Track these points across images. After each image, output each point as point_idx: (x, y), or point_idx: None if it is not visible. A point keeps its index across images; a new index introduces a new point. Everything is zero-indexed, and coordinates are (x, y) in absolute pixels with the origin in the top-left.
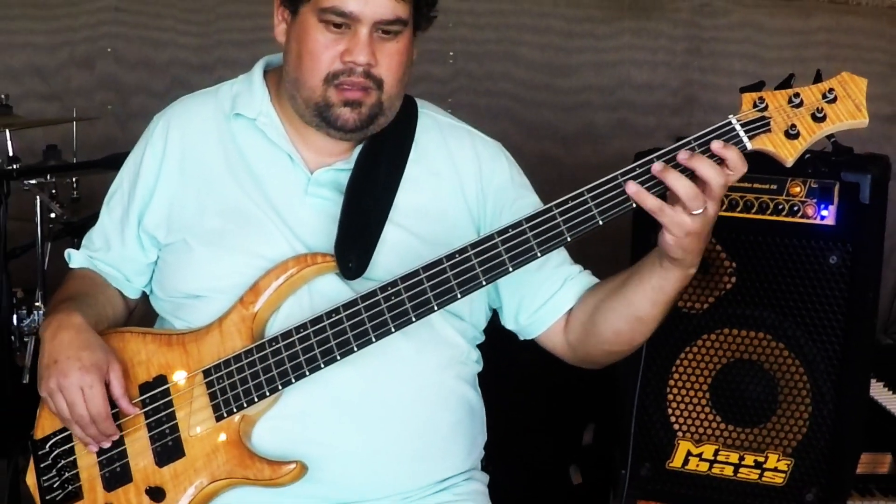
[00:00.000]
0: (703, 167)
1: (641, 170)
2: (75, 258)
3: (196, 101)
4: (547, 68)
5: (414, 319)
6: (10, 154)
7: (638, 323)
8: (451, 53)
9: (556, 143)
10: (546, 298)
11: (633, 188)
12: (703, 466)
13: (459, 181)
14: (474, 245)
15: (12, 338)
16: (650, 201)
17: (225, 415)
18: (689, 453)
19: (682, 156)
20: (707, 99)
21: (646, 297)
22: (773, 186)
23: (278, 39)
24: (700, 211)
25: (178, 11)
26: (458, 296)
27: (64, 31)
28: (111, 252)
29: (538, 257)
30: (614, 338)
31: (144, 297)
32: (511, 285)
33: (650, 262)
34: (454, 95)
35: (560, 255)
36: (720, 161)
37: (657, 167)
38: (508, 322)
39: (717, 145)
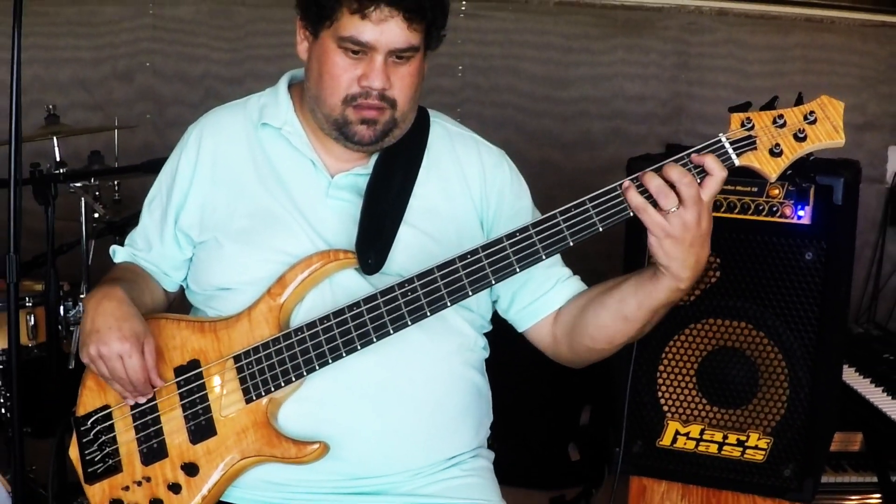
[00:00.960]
0: (671, 170)
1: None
2: (119, 254)
3: (226, 112)
4: (547, 81)
5: (429, 314)
6: (58, 159)
7: (623, 322)
8: (460, 68)
9: (556, 150)
10: (537, 296)
11: (627, 183)
12: (690, 444)
13: (467, 185)
14: (485, 247)
15: (59, 327)
16: (636, 199)
17: (254, 397)
18: (677, 432)
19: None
20: (694, 109)
21: (635, 299)
22: (754, 189)
23: (301, 56)
24: (673, 209)
25: (210, 29)
26: (470, 293)
27: (106, 47)
28: (152, 251)
29: (543, 259)
30: (597, 333)
31: (180, 291)
32: (504, 281)
33: (647, 269)
34: (463, 106)
35: (552, 257)
36: (703, 173)
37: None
38: (502, 312)
39: (694, 157)
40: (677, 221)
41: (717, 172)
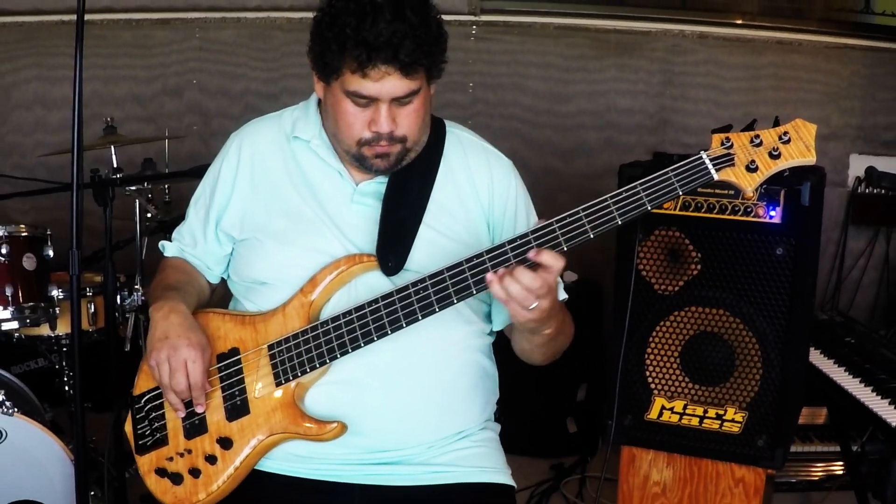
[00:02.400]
0: (522, 277)
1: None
2: (169, 249)
3: (263, 124)
4: (548, 96)
5: (437, 310)
6: (115, 166)
7: (532, 353)
8: (471, 84)
9: (556, 157)
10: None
11: (504, 297)
12: (674, 418)
13: (476, 192)
14: (489, 251)
15: (116, 314)
16: (502, 296)
17: (283, 381)
18: (663, 407)
19: (490, 277)
20: (678, 121)
21: (524, 340)
22: (731, 192)
23: (318, 94)
24: (534, 305)
25: (250, 51)
26: (474, 292)
27: (158, 66)
28: (197, 247)
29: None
30: (526, 355)
31: (223, 282)
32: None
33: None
34: (473, 119)
35: None
36: (536, 265)
37: (489, 277)
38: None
39: (531, 254)
40: (536, 311)
41: (554, 265)
